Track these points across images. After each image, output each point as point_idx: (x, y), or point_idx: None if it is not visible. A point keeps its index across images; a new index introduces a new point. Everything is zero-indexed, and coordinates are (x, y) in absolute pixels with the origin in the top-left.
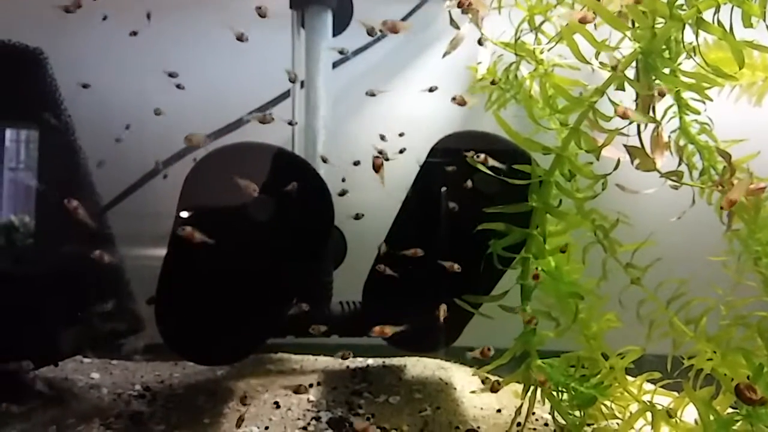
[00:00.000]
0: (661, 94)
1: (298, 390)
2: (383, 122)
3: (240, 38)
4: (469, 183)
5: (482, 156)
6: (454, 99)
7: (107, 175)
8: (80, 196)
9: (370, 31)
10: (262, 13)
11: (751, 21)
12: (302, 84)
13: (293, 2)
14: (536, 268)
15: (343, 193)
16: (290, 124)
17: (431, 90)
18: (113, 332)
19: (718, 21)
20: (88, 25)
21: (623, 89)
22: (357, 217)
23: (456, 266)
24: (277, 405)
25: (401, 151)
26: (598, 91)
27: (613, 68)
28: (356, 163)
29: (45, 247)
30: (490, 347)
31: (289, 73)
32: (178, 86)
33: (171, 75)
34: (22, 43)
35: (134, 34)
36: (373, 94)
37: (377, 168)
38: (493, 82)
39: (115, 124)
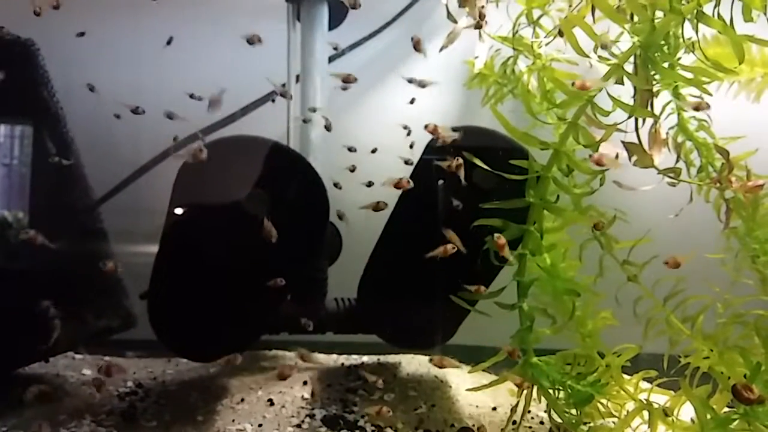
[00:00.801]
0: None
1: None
2: (379, 117)
3: (284, 95)
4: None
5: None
6: (426, 127)
7: (101, 168)
8: (72, 189)
9: (354, 5)
10: (252, 41)
11: (752, 15)
12: (297, 78)
13: None
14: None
15: (353, 169)
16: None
17: (411, 81)
18: (105, 328)
19: (719, 14)
20: (84, 19)
21: (622, 83)
22: (369, 184)
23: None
24: (271, 402)
25: (411, 146)
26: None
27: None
28: (351, 150)
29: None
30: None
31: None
32: (192, 96)
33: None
34: (13, 34)
35: (82, 35)
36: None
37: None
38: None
39: (110, 117)
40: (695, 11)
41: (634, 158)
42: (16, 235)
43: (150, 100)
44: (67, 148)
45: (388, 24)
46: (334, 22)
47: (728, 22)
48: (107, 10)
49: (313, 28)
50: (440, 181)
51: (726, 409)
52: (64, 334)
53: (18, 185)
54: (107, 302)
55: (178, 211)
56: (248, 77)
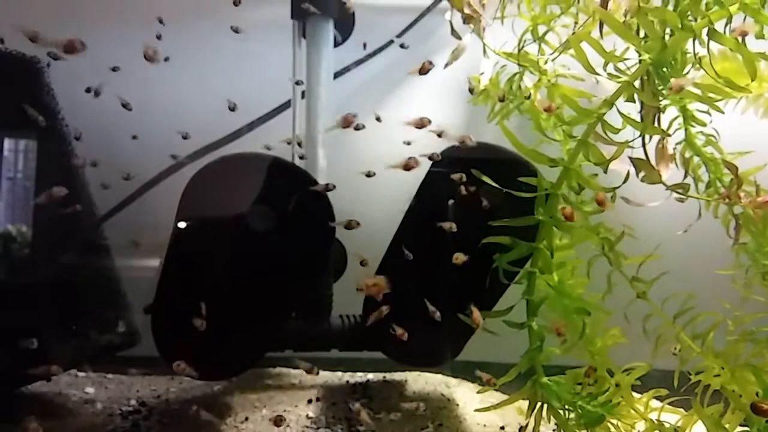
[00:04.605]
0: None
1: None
2: (385, 133)
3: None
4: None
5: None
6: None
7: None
8: (76, 206)
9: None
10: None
11: (764, 32)
12: (303, 94)
13: (294, 12)
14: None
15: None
16: (301, 158)
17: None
18: (109, 345)
19: (731, 32)
20: (90, 33)
21: (633, 101)
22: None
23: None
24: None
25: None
26: (607, 103)
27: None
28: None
29: (40, 257)
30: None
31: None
32: (232, 109)
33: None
34: (19, 52)
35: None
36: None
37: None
38: (501, 99)
39: (115, 133)
40: (707, 28)
41: (641, 174)
42: (20, 249)
43: (156, 116)
44: (71, 165)
45: (392, 41)
46: (340, 38)
47: (740, 39)
48: (114, 26)
49: (318, 45)
50: (450, 201)
51: (739, 429)
52: (67, 351)
53: (22, 199)
54: (111, 318)
55: (183, 226)
56: (253, 93)
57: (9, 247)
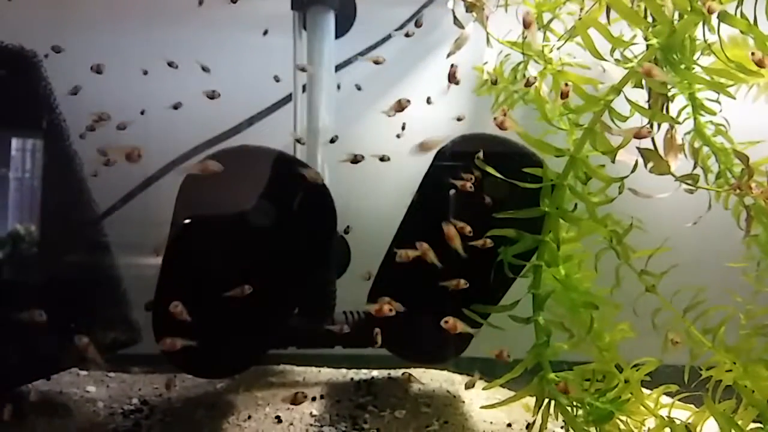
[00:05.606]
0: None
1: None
2: (388, 125)
3: None
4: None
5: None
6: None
7: (106, 180)
8: (75, 202)
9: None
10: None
11: None
12: (304, 87)
13: (295, 3)
14: None
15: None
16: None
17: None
18: (110, 344)
19: (742, 14)
20: (90, 27)
21: (641, 86)
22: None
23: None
24: (278, 419)
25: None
26: (614, 90)
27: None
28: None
29: (38, 255)
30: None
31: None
32: (211, 96)
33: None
34: (16, 46)
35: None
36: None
37: None
38: (494, 83)
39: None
40: (718, 11)
41: (650, 165)
42: (28, 248)
43: (157, 110)
44: (70, 161)
45: (396, 30)
46: (341, 30)
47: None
48: (114, 20)
49: (319, 37)
50: (451, 191)
51: (752, 425)
52: (69, 349)
53: (29, 199)
54: (112, 316)
55: (182, 221)
56: (254, 87)
57: (18, 246)
